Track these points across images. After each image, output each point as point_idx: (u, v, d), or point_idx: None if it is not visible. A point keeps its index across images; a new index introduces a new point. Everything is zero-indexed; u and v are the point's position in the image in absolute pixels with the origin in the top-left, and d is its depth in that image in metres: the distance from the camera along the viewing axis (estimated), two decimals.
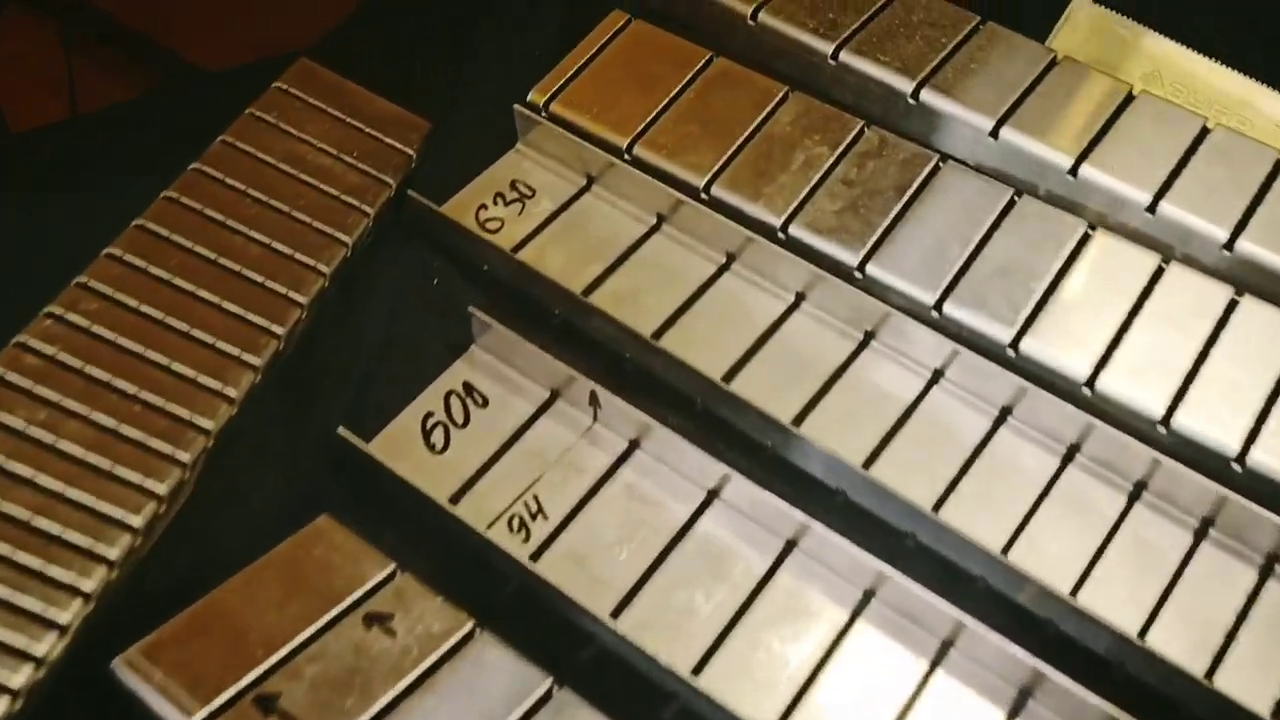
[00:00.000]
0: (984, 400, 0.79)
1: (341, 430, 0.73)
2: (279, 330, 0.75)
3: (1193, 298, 0.80)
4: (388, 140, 0.90)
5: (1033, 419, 0.77)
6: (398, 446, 0.76)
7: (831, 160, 0.87)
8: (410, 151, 0.90)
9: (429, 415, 0.78)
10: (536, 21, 1.00)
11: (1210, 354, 0.78)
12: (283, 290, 0.76)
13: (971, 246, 0.83)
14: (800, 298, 0.84)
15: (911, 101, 0.90)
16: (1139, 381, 0.77)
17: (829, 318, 0.83)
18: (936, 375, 0.80)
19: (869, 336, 0.82)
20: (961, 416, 0.79)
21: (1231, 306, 0.80)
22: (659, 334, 0.82)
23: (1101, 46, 0.96)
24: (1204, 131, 0.88)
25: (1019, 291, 0.80)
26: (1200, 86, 0.94)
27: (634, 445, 0.77)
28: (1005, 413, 0.78)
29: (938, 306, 0.81)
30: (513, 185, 0.91)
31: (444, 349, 0.80)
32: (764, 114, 0.90)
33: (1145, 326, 0.79)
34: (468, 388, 0.79)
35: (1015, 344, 0.79)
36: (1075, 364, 0.78)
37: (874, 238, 0.83)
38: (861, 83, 0.92)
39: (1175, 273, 0.81)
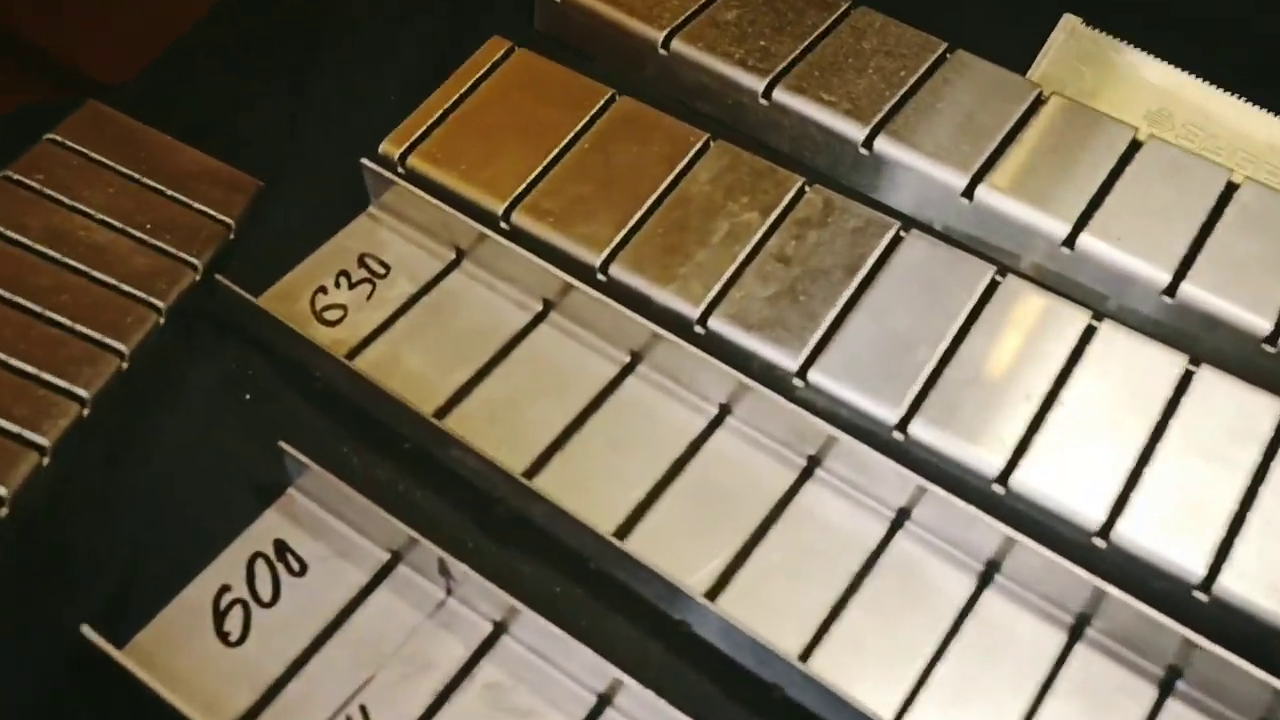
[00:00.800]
0: (964, 552, 0.60)
1: (86, 629, 0.53)
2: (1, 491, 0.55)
3: (1234, 412, 0.62)
4: (198, 206, 0.70)
5: (1029, 579, 0.59)
6: (173, 638, 0.56)
7: (763, 230, 0.68)
8: (228, 220, 0.71)
9: (224, 590, 0.58)
10: (399, 53, 0.81)
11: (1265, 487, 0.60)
12: (16, 429, 0.56)
13: (943, 345, 0.64)
14: (725, 411, 0.65)
15: (863, 152, 0.72)
16: (1170, 532, 0.59)
17: (762, 438, 0.64)
18: (900, 516, 0.62)
19: (813, 463, 0.63)
20: (936, 574, 0.60)
21: None
22: (539, 466, 0.63)
23: (1097, 78, 0.78)
24: (1230, 188, 0.70)
25: (1007, 406, 0.62)
26: (1220, 129, 0.76)
27: (500, 629, 0.57)
28: (992, 569, 0.60)
29: (901, 426, 0.62)
30: (361, 261, 0.72)
31: (251, 493, 0.61)
32: (678, 169, 0.71)
33: (1176, 455, 0.61)
34: (280, 549, 0.59)
35: (1004, 477, 0.61)
36: (1084, 506, 0.60)
37: (817, 334, 0.65)
38: (800, 128, 0.73)
39: (1209, 380, 0.63)
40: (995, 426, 0.61)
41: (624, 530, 0.61)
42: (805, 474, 0.63)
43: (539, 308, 0.69)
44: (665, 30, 0.76)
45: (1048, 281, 0.70)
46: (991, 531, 0.58)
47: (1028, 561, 0.58)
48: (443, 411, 0.65)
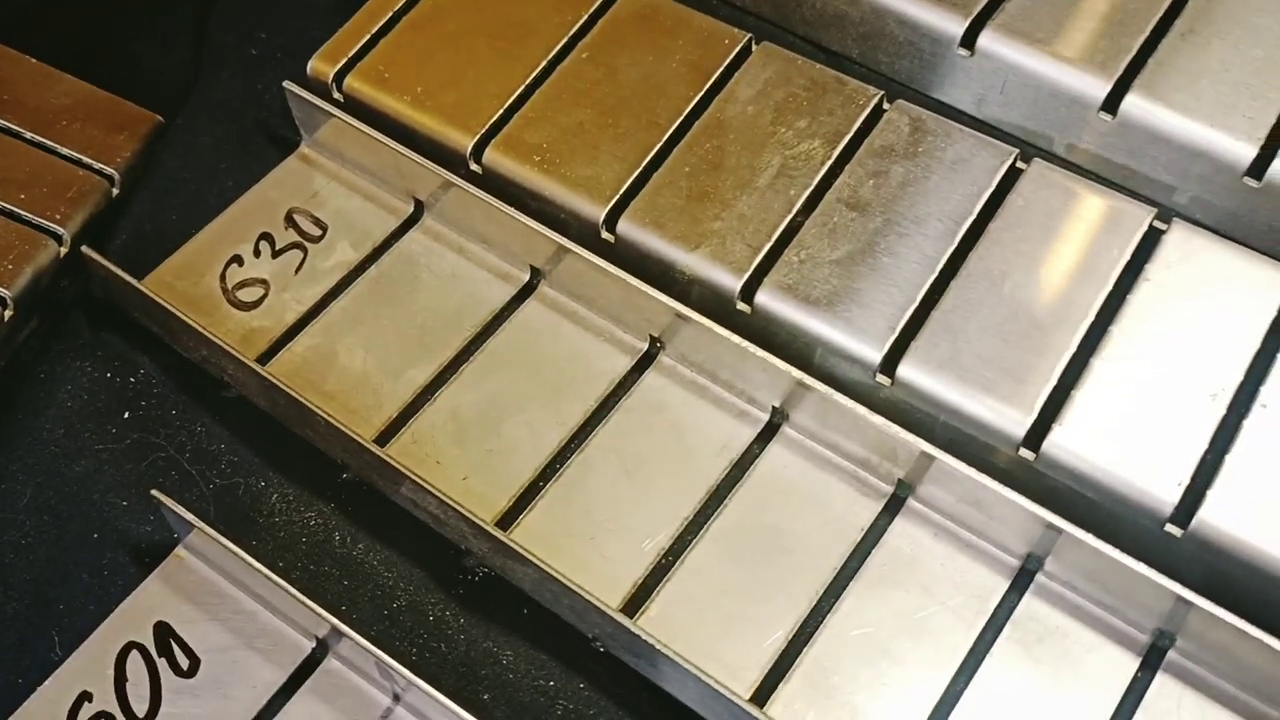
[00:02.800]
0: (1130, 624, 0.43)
1: None
2: None
3: None
4: (68, 152, 0.53)
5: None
6: None
7: (829, 165, 0.50)
8: (110, 170, 0.53)
9: (82, 701, 0.41)
10: None
11: None
12: None
13: (1087, 323, 0.46)
14: (779, 418, 0.48)
15: (961, 53, 0.53)
16: None
17: (834, 456, 0.46)
18: (1030, 567, 0.44)
19: (903, 493, 0.46)
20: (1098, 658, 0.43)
21: None
22: (522, 507, 0.46)
23: None
24: None
25: (1185, 409, 0.44)
26: None
27: None
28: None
29: (1031, 441, 0.44)
30: (290, 220, 0.54)
31: (128, 556, 0.44)
32: (709, 84, 0.52)
33: None
34: (162, 636, 0.43)
35: (1180, 519, 0.43)
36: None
37: (908, 311, 0.47)
38: (874, 21, 0.54)
39: None
40: (1165, 441, 0.43)
41: (639, 600, 0.43)
42: (892, 507, 0.46)
43: (525, 278, 0.52)
44: None
45: (1221, 227, 0.51)
46: (1161, 594, 0.41)
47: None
48: (390, 432, 0.48)
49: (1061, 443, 0.43)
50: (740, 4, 0.58)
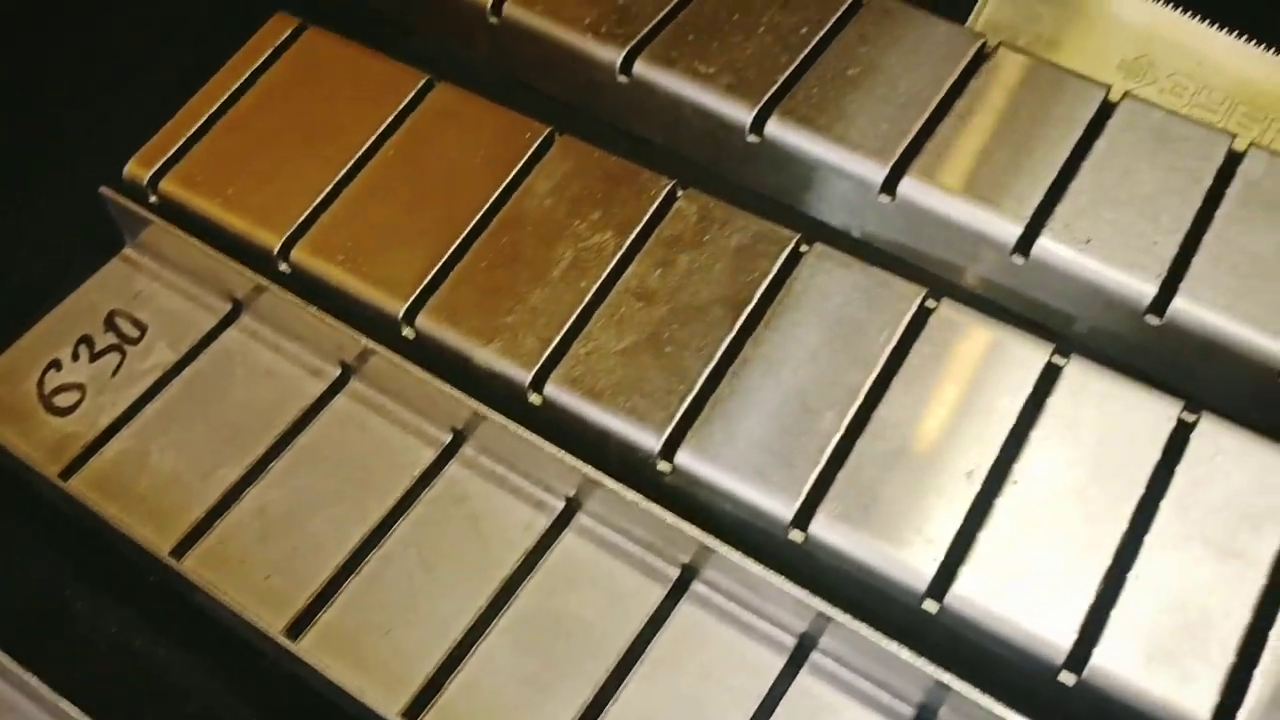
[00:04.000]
0: (891, 693, 0.45)
1: None
2: None
3: (1248, 480, 0.46)
4: None
5: None
6: None
7: (619, 256, 0.52)
8: None
9: None
10: (167, 44, 0.63)
11: None
12: None
13: (855, 407, 0.48)
14: (573, 506, 0.49)
15: (752, 139, 0.55)
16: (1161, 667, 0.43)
17: (624, 542, 0.48)
18: (804, 645, 0.46)
19: (688, 575, 0.48)
20: None
21: None
22: (319, 606, 0.47)
23: (1058, 21, 0.61)
24: (1233, 157, 0.53)
25: (942, 489, 0.46)
26: (1216, 77, 0.59)
27: None
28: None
29: (799, 523, 0.46)
30: (110, 322, 0.55)
31: None
32: (509, 178, 0.54)
33: (1171, 546, 0.44)
34: None
35: (936, 591, 0.45)
36: (1051, 633, 0.44)
37: (687, 400, 0.48)
38: (672, 111, 0.56)
39: (1212, 433, 0.47)
40: (925, 520, 0.45)
41: (428, 695, 0.45)
42: (678, 589, 0.47)
43: (336, 373, 0.53)
44: None
45: (999, 300, 0.53)
46: (921, 674, 0.43)
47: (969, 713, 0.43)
48: (198, 532, 0.49)
49: (825, 525, 0.45)
50: (554, 95, 0.60)
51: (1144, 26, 0.60)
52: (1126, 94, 0.55)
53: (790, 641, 0.46)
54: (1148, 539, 0.44)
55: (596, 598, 0.47)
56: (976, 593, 0.44)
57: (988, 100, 0.55)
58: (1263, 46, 0.58)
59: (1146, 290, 0.50)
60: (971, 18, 0.61)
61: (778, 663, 0.46)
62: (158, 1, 0.65)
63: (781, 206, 0.57)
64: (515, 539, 0.49)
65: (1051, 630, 0.43)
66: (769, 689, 0.45)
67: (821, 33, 0.57)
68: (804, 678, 0.45)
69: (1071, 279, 0.51)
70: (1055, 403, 0.47)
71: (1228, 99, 0.59)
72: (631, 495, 0.46)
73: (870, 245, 0.55)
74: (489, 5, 0.58)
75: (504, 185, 0.54)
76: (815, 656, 0.46)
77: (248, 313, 0.55)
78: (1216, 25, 0.59)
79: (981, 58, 0.57)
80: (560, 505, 0.49)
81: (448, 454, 0.51)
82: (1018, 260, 0.51)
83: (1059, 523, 0.45)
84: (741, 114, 0.55)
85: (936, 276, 0.54)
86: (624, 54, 0.56)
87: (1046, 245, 0.51)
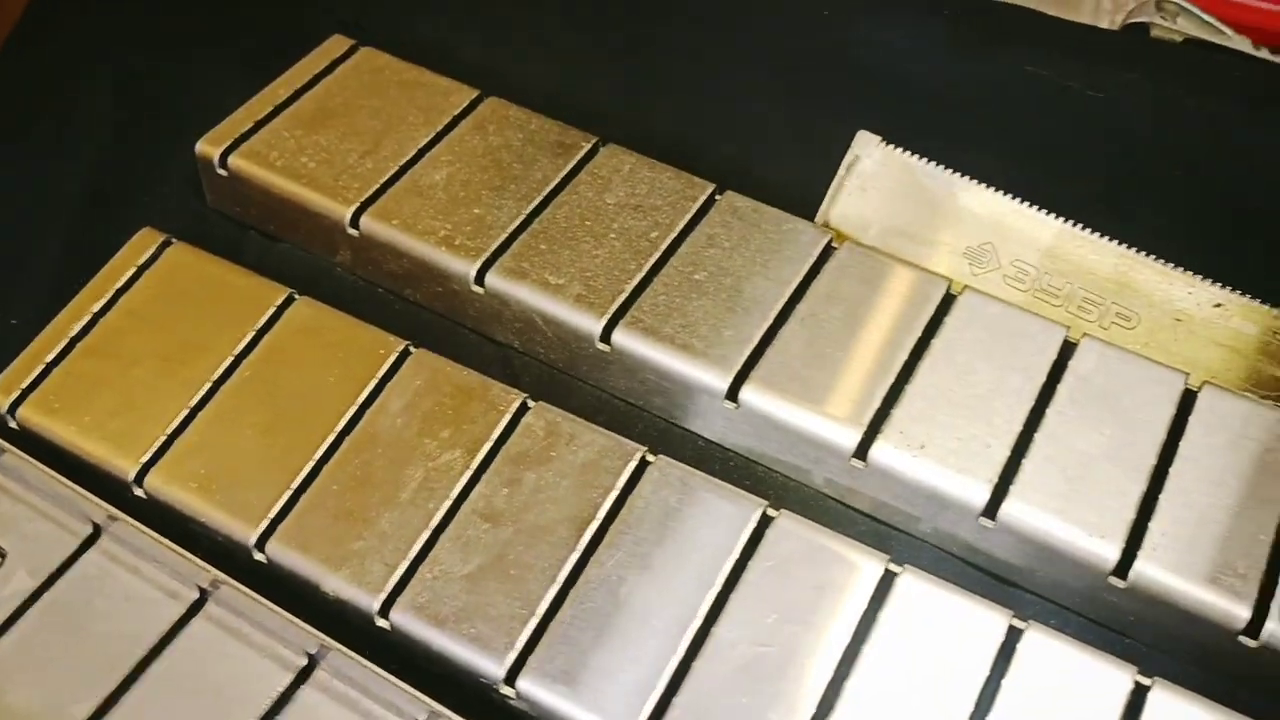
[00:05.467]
0: None
1: None
2: None
3: (1077, 688, 0.47)
4: None
5: None
6: None
7: (467, 476, 0.53)
8: None
9: None
10: (38, 256, 0.65)
11: None
12: None
13: (694, 628, 0.48)
14: None
15: (603, 348, 0.57)
16: None
17: None
18: None
19: None
20: None
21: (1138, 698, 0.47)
22: None
23: (903, 211, 0.64)
24: (1067, 349, 0.55)
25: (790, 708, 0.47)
26: (1055, 264, 0.61)
27: None
28: None
29: None
30: None
31: None
32: (363, 396, 0.55)
33: None
34: None
35: None
36: None
37: (529, 626, 0.48)
38: (525, 320, 0.57)
39: (1038, 642, 0.48)
40: None
41: None
42: None
43: (194, 596, 0.54)
44: (353, 205, 0.60)
45: (846, 500, 0.55)
46: None
47: None
48: None
49: None
50: (419, 302, 0.62)
51: (987, 215, 0.62)
52: (965, 288, 0.57)
53: None
54: None
55: None
56: None
57: (831, 300, 0.57)
58: (1097, 234, 0.61)
59: (979, 496, 0.51)
60: (821, 210, 0.63)
61: None
62: None
63: (637, 409, 0.58)
64: None
65: None
66: None
67: (671, 236, 0.59)
68: None
69: (908, 484, 0.52)
70: (888, 614, 0.48)
71: (1067, 284, 0.61)
72: None
73: (722, 447, 0.57)
74: (348, 219, 0.60)
75: (358, 403, 0.55)
76: None
77: (106, 535, 0.55)
78: (1054, 215, 0.62)
79: (827, 254, 0.59)
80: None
81: (303, 677, 0.51)
82: (858, 465, 0.53)
83: None
84: (590, 324, 0.56)
85: (787, 478, 0.56)
86: (477, 267, 0.58)
87: (883, 451, 0.52)
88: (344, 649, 0.49)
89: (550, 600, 0.49)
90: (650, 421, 0.57)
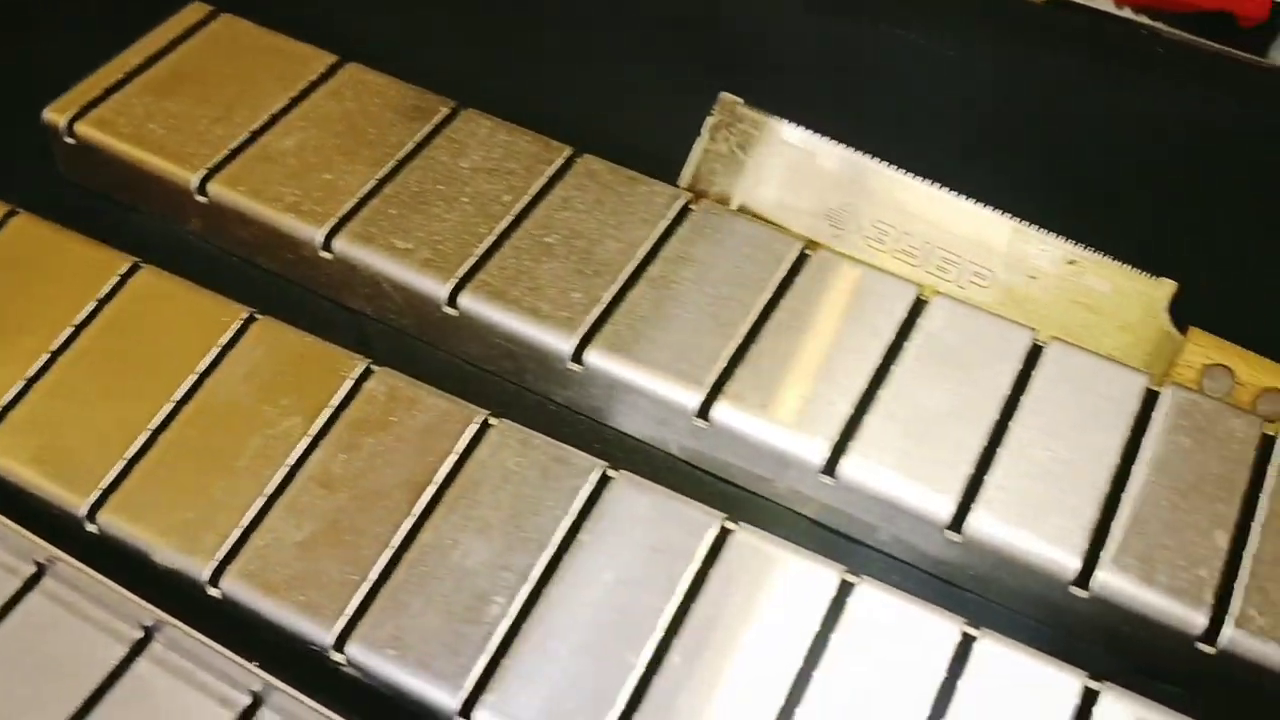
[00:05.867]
0: None
1: None
2: None
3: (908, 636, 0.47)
4: None
5: None
6: None
7: (305, 443, 0.52)
8: None
9: None
10: None
11: None
12: None
13: (518, 604, 0.48)
14: (257, 702, 0.49)
15: (450, 312, 0.56)
16: None
17: None
18: None
19: None
20: None
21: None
22: None
23: (765, 172, 0.63)
24: (918, 305, 0.55)
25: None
26: (915, 224, 0.61)
27: None
28: None
29: (465, 712, 0.46)
30: None
31: None
32: (203, 366, 0.54)
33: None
34: None
35: None
36: None
37: (360, 594, 0.48)
38: (374, 286, 0.57)
39: (868, 594, 0.48)
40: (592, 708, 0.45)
41: None
42: None
43: (31, 570, 0.52)
44: (201, 171, 0.59)
45: (695, 463, 0.54)
46: None
47: None
48: None
49: (489, 716, 0.46)
50: (271, 269, 0.61)
51: (848, 176, 0.62)
52: (816, 246, 0.57)
53: None
54: None
55: None
56: None
57: (683, 261, 0.56)
58: (955, 194, 0.61)
59: (819, 453, 0.51)
60: (683, 173, 0.63)
61: None
62: None
63: (488, 374, 0.57)
64: None
65: None
66: None
67: (525, 200, 0.59)
68: None
69: (750, 443, 0.52)
70: (720, 572, 0.48)
71: (926, 244, 0.61)
72: (308, 701, 0.46)
73: (572, 410, 0.56)
74: (195, 186, 0.59)
75: (198, 372, 0.54)
76: None
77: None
78: (913, 175, 0.61)
79: (683, 216, 0.58)
80: (247, 700, 0.49)
81: (138, 650, 0.51)
82: (701, 425, 0.52)
83: None
84: (437, 288, 0.55)
85: (638, 440, 0.55)
86: (324, 232, 0.57)
87: (724, 411, 0.52)
88: (176, 621, 0.48)
89: (383, 566, 0.49)
90: (501, 386, 0.57)
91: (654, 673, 0.46)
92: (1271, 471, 0.50)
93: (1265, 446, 0.51)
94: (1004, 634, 0.46)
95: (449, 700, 0.46)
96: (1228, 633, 0.46)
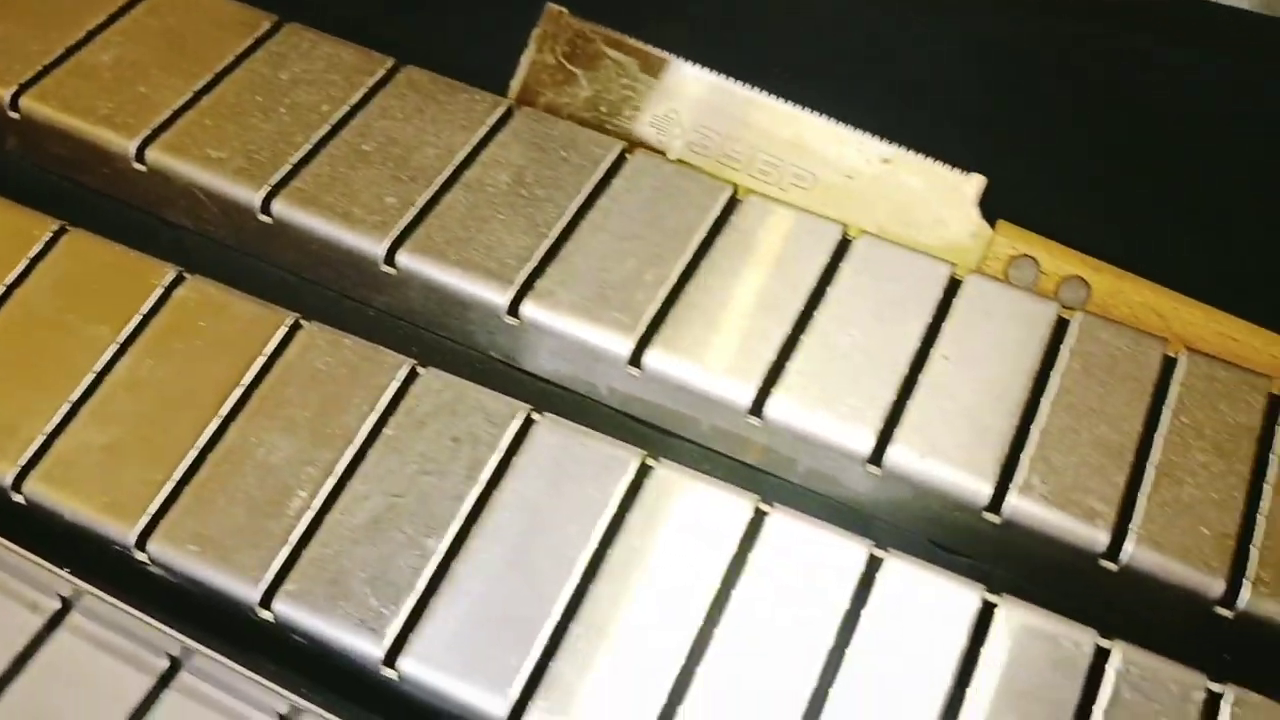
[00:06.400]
0: None
1: None
2: None
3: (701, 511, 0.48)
4: None
5: None
6: None
7: (110, 353, 0.51)
8: None
9: None
10: None
11: None
12: None
13: (325, 493, 0.49)
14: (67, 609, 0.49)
15: (265, 219, 0.56)
16: None
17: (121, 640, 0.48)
18: None
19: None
20: None
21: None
22: None
23: (591, 80, 0.63)
24: (733, 203, 0.56)
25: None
26: (737, 130, 0.62)
27: None
28: None
29: (265, 602, 0.47)
30: None
31: None
32: (12, 275, 0.54)
33: None
34: None
35: None
36: None
37: (164, 493, 0.48)
38: (189, 198, 0.56)
39: (666, 477, 0.49)
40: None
41: None
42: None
43: None
44: (13, 87, 0.59)
45: (515, 360, 0.55)
46: None
47: None
48: None
49: (288, 603, 0.46)
50: (87, 184, 0.60)
51: (672, 83, 0.63)
52: (635, 149, 0.58)
53: None
54: None
55: None
56: None
57: (500, 166, 0.57)
58: (775, 98, 0.61)
59: (624, 348, 0.52)
60: (512, 84, 0.63)
61: None
62: None
63: (308, 283, 0.57)
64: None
65: None
66: None
67: (343, 110, 0.58)
68: None
69: (556, 336, 0.52)
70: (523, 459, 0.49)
71: (748, 149, 0.62)
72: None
73: (392, 316, 0.57)
74: (7, 102, 0.58)
75: (7, 284, 0.54)
76: None
77: None
78: (736, 80, 0.62)
79: (504, 122, 0.59)
80: (56, 605, 0.49)
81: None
82: (511, 321, 0.53)
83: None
84: (250, 196, 0.55)
85: (455, 342, 0.56)
86: (137, 144, 0.57)
87: (531, 308, 0.53)
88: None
89: (187, 466, 0.49)
90: (321, 294, 0.57)
91: (455, 553, 0.47)
92: (1064, 352, 0.52)
93: (1059, 329, 0.53)
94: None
95: (250, 593, 0.46)
96: (1011, 501, 0.48)
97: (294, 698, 0.45)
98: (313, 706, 0.45)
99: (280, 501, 0.48)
